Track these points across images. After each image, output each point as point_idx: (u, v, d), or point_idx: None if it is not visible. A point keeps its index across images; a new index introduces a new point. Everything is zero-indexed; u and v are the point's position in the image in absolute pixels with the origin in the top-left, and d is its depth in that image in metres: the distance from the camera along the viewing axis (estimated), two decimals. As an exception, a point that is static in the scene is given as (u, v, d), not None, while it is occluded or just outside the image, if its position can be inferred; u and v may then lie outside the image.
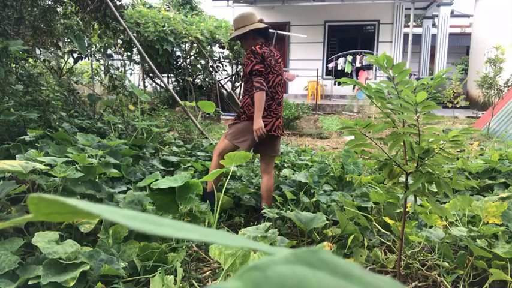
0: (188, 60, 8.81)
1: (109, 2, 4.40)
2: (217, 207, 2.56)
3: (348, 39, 13.89)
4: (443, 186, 1.72)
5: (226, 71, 10.41)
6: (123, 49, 6.50)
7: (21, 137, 3.05)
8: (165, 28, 7.33)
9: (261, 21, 2.94)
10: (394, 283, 0.21)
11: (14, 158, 2.56)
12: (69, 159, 2.52)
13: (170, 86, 8.09)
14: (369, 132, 1.80)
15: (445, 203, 2.78)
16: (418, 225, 2.56)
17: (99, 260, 1.84)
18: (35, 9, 4.11)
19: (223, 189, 2.69)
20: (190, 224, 0.22)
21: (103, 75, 5.25)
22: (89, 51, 4.67)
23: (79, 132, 3.33)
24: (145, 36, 6.94)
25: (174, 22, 7.61)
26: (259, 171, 3.67)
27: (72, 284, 1.67)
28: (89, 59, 4.89)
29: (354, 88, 12.34)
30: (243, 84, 2.95)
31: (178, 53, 8.51)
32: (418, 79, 3.40)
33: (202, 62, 8.73)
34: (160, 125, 4.70)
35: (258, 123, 2.74)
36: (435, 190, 2.14)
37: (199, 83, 9.51)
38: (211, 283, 2.11)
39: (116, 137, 3.95)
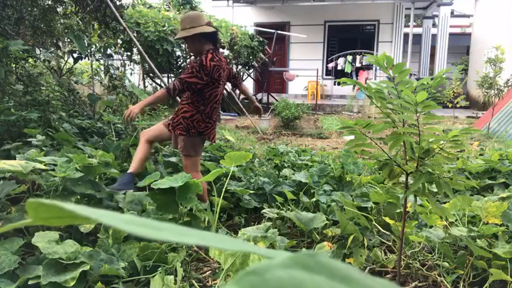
0: (188, 60, 8.81)
1: (109, 2, 4.40)
2: (217, 207, 2.56)
3: (348, 39, 13.88)
4: (443, 186, 1.72)
5: (226, 70, 10.39)
6: (123, 49, 6.49)
7: (29, 140, 3.04)
8: (165, 28, 7.33)
9: (209, 24, 2.78)
10: (393, 287, 0.21)
11: (14, 158, 2.56)
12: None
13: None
14: (369, 132, 1.80)
15: (445, 203, 2.78)
16: (418, 225, 2.56)
17: (99, 260, 1.85)
18: (35, 9, 4.11)
19: (223, 190, 2.69)
20: (188, 228, 0.22)
21: (103, 75, 5.25)
22: (89, 51, 4.67)
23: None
24: (145, 36, 6.93)
25: (174, 22, 7.61)
26: (259, 171, 3.67)
27: (72, 284, 1.67)
28: (89, 59, 4.89)
29: (354, 88, 12.33)
30: (188, 92, 2.81)
31: (179, 53, 8.50)
32: (418, 79, 3.40)
33: (202, 62, 8.70)
34: (160, 125, 4.68)
35: (137, 108, 2.68)
36: (435, 190, 2.14)
37: (199, 83, 9.48)
38: (211, 283, 2.11)
39: (115, 138, 3.95)
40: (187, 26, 2.76)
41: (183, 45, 7.96)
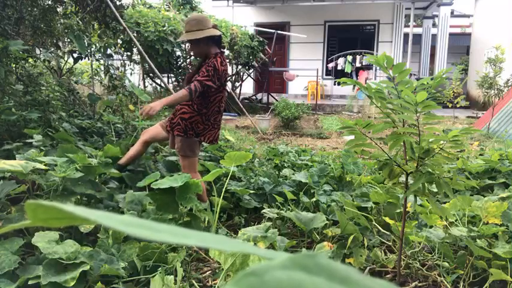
0: (188, 60, 8.82)
1: (109, 2, 4.40)
2: (217, 207, 2.56)
3: (348, 39, 13.88)
4: (443, 186, 1.72)
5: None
6: (123, 49, 6.49)
7: (29, 140, 3.05)
8: (165, 28, 7.33)
9: (215, 27, 2.81)
10: None
11: (14, 158, 2.56)
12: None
13: (170, 86, 8.09)
14: (369, 132, 1.80)
15: (445, 203, 2.78)
16: (418, 225, 2.56)
17: (99, 260, 1.85)
18: (35, 9, 4.10)
19: (223, 190, 2.69)
20: (187, 229, 0.22)
21: (103, 75, 5.25)
22: (89, 51, 4.67)
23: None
24: (145, 36, 6.94)
25: (174, 22, 7.61)
26: (259, 171, 3.67)
27: (72, 284, 1.67)
28: (89, 59, 4.88)
29: (354, 88, 12.33)
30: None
31: (179, 53, 8.50)
32: (418, 79, 3.40)
33: (202, 62, 8.70)
34: (160, 125, 4.68)
35: (159, 106, 2.62)
36: (435, 190, 2.14)
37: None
38: (211, 283, 2.11)
39: (114, 138, 3.95)
40: (193, 28, 2.74)
41: (183, 46, 7.96)
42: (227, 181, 2.81)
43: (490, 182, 3.43)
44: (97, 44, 4.90)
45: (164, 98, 2.70)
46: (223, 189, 2.69)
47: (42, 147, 3.00)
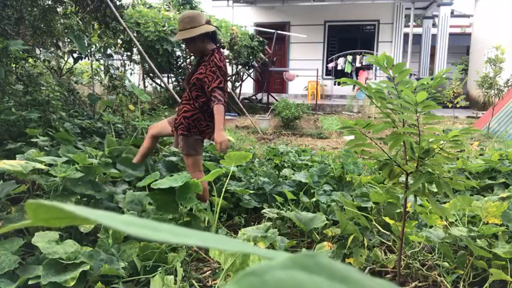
0: (188, 60, 8.82)
1: (109, 2, 4.40)
2: (217, 207, 2.56)
3: (348, 39, 13.88)
4: (443, 186, 1.72)
5: (226, 70, 10.39)
6: (123, 49, 6.49)
7: (34, 140, 3.04)
8: (165, 28, 7.34)
9: (208, 22, 2.76)
10: (392, 287, 0.21)
11: (14, 158, 2.56)
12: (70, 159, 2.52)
13: (170, 86, 8.10)
14: (369, 132, 1.80)
15: (445, 203, 2.78)
16: (418, 225, 2.56)
17: (99, 260, 1.85)
18: (35, 9, 4.10)
19: (223, 190, 2.69)
20: (187, 229, 0.22)
21: (103, 75, 5.25)
22: (89, 51, 4.67)
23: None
24: (145, 36, 6.94)
25: (174, 22, 7.61)
26: (259, 171, 3.67)
27: (72, 284, 1.67)
28: (89, 59, 4.88)
29: (354, 88, 12.33)
30: (189, 92, 2.82)
31: (179, 53, 8.51)
32: (418, 79, 3.40)
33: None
34: (160, 125, 4.69)
35: (223, 136, 2.63)
36: (435, 190, 2.15)
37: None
38: (211, 283, 2.11)
39: (115, 138, 3.95)
40: (187, 26, 2.71)
41: (183, 45, 7.96)
42: (227, 181, 2.81)
43: (490, 182, 3.42)
44: (97, 44, 4.90)
45: (216, 124, 2.62)
46: (223, 189, 2.69)
47: (45, 147, 3.01)
